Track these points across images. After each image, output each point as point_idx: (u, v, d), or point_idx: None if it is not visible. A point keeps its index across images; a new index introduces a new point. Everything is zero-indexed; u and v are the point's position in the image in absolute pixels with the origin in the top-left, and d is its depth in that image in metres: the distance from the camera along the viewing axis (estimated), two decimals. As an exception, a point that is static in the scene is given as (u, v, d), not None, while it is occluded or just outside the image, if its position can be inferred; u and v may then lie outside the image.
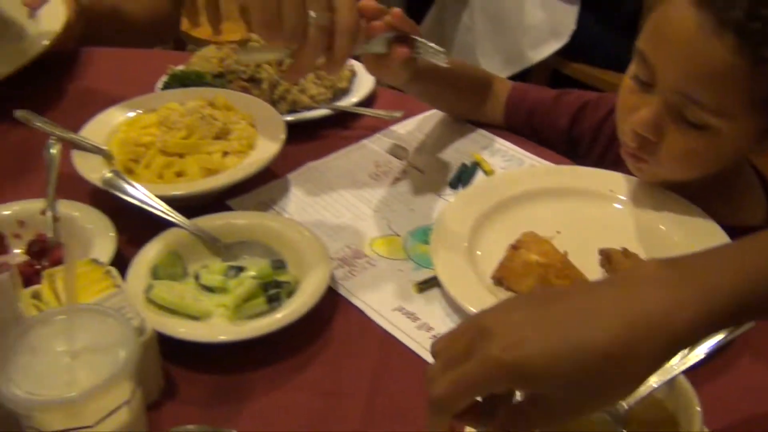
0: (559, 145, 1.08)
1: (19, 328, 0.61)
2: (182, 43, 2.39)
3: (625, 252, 0.86)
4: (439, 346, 0.58)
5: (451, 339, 0.58)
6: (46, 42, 1.13)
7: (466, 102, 1.10)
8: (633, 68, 0.89)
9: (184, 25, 2.13)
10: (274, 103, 1.08)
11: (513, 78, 1.16)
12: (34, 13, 1.19)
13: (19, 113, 1.00)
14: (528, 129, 1.10)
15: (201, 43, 2.25)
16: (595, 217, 0.94)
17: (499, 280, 0.85)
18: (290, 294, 0.80)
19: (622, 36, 1.93)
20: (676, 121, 0.86)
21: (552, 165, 1.03)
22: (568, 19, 1.91)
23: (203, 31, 2.21)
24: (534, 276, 0.83)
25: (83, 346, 0.60)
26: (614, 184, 0.97)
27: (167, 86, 1.12)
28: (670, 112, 0.86)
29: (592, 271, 0.86)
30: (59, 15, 1.18)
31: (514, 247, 0.86)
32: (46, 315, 0.63)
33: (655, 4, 0.87)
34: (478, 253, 0.88)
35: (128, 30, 1.41)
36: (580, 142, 1.08)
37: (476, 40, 2.07)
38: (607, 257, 0.86)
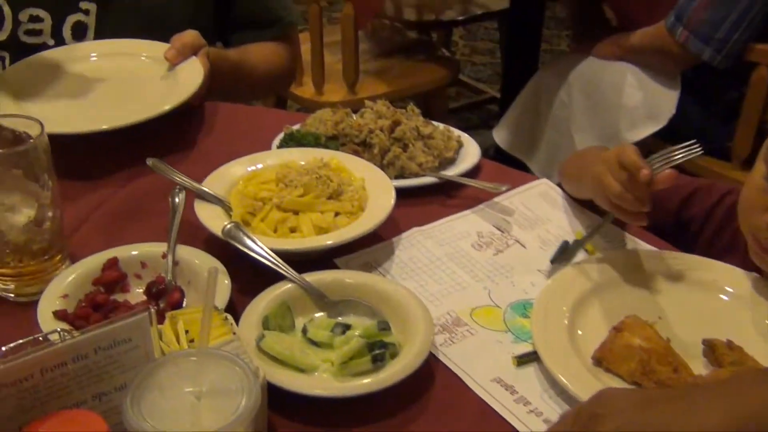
0: (666, 227, 1.08)
1: (150, 365, 0.65)
2: (283, 101, 2.48)
3: (730, 344, 0.86)
4: None
5: (562, 425, 0.63)
6: (184, 96, 1.21)
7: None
8: (763, 168, 0.90)
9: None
10: (383, 167, 1.12)
11: None
12: (174, 66, 1.28)
13: (151, 161, 1.06)
14: None
15: (302, 101, 2.34)
16: (699, 305, 0.94)
17: (599, 360, 0.85)
18: (394, 356, 0.83)
19: (723, 123, 1.92)
20: None
21: (654, 249, 1.03)
22: (668, 104, 1.89)
23: (306, 90, 2.30)
24: (636, 360, 0.83)
25: (209, 389, 0.63)
26: (719, 274, 0.97)
27: (283, 144, 1.17)
28: None
29: (695, 360, 0.85)
30: (197, 71, 1.26)
31: (617, 330, 0.86)
32: (177, 355, 0.66)
33: None
34: (579, 332, 0.89)
35: (247, 83, 1.48)
36: (689, 226, 1.08)
37: (572, 116, 2.08)
38: (710, 347, 0.86)
